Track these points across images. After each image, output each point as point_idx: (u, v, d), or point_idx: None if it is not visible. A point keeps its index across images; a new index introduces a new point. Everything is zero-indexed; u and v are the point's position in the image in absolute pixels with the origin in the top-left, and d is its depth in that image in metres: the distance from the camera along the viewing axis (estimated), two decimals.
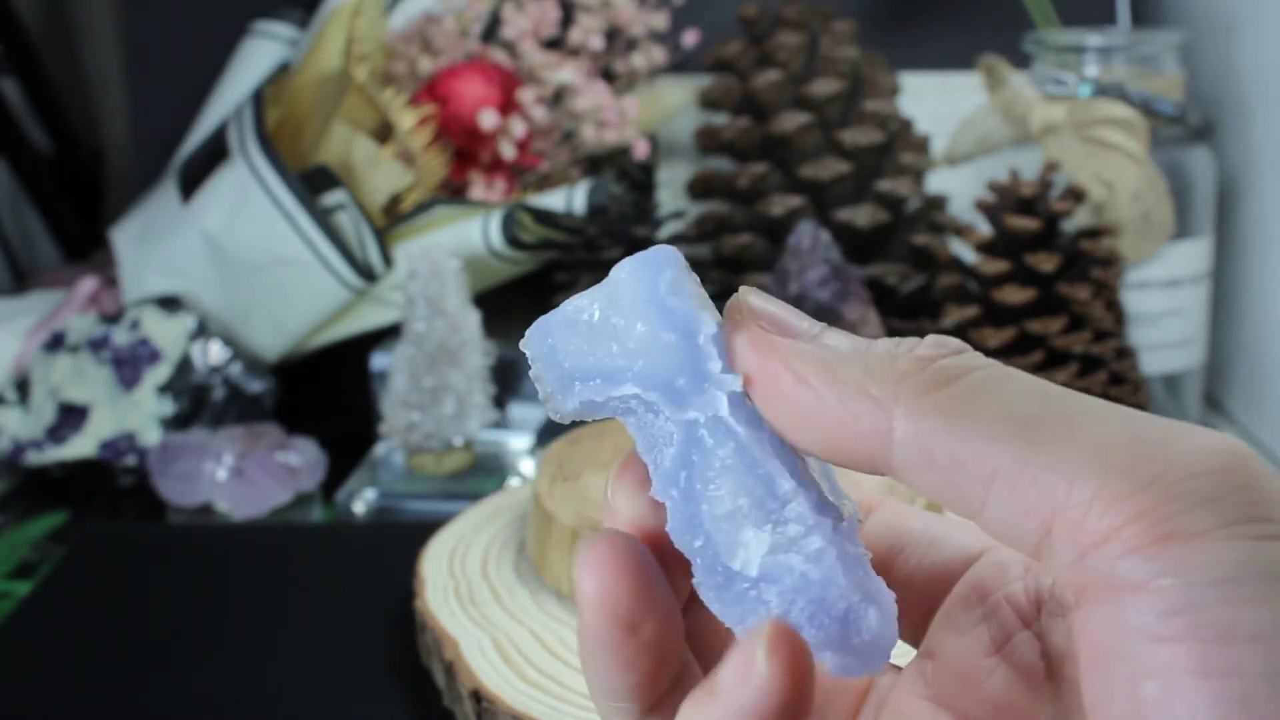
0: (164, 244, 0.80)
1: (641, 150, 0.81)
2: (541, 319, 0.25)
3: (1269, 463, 0.77)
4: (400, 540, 0.64)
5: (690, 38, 0.86)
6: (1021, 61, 0.80)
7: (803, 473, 0.24)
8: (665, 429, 0.24)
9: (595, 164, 0.83)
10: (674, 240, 0.79)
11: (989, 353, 0.70)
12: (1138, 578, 0.19)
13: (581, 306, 0.25)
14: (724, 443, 0.24)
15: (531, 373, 0.25)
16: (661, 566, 0.25)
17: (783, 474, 0.24)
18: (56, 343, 0.78)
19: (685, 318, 0.24)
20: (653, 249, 0.24)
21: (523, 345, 0.25)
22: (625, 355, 0.24)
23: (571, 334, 0.25)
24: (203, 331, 0.77)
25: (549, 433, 0.77)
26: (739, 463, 0.24)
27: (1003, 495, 0.21)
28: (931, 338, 0.23)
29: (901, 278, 0.80)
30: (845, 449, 0.23)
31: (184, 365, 0.77)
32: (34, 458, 0.76)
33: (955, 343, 0.23)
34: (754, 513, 0.24)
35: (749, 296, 0.24)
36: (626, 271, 0.24)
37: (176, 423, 0.76)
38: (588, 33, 0.83)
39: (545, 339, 0.25)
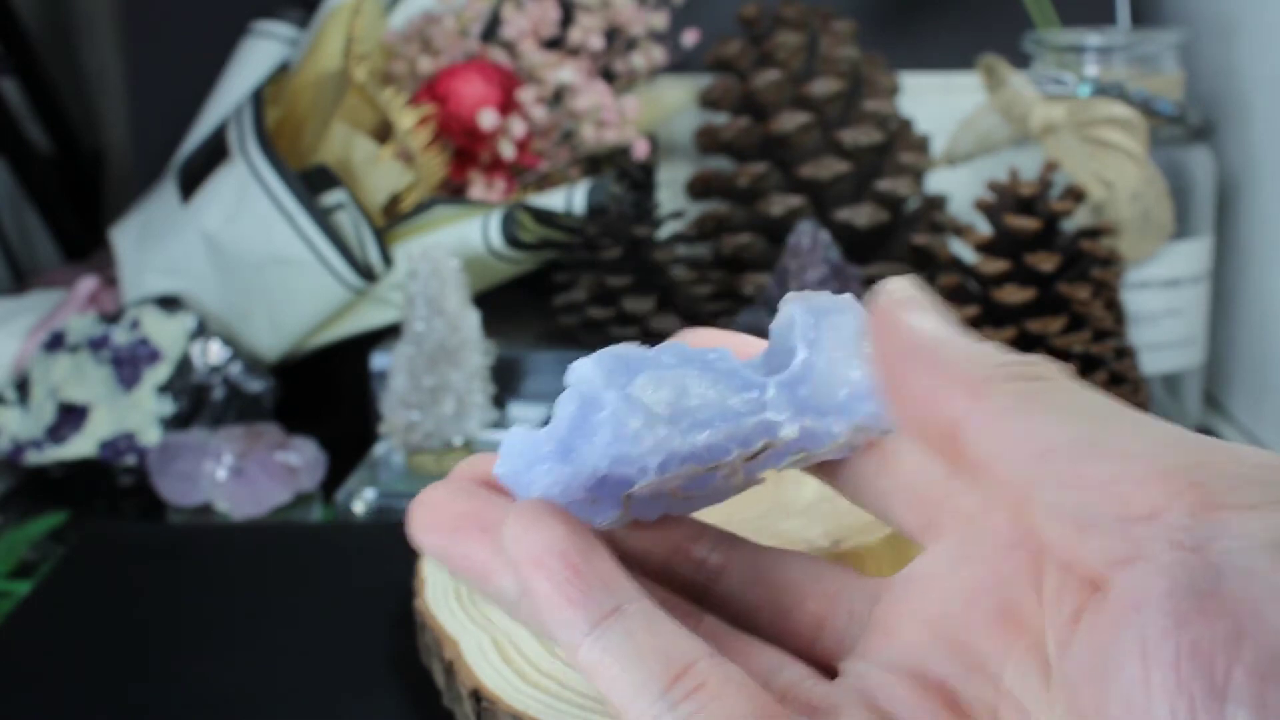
0: (164, 244, 0.80)
1: (641, 150, 0.81)
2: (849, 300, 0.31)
3: None
4: (400, 540, 0.63)
5: (690, 38, 0.85)
6: (1021, 61, 0.80)
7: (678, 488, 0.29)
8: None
9: (595, 164, 0.83)
10: (674, 240, 0.79)
11: None
12: (1192, 541, 0.21)
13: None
14: (745, 389, 0.29)
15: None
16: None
17: (714, 443, 0.28)
18: (56, 342, 0.78)
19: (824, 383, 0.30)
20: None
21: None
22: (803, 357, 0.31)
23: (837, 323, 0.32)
24: (202, 331, 0.77)
25: None
26: (720, 393, 0.28)
27: (1055, 468, 0.23)
28: (1028, 356, 0.26)
29: None
30: (925, 415, 0.25)
31: (184, 365, 0.77)
32: (34, 457, 0.76)
33: (1042, 357, 0.26)
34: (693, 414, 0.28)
35: (898, 289, 0.27)
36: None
37: (176, 422, 0.76)
38: (588, 32, 0.83)
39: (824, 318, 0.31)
